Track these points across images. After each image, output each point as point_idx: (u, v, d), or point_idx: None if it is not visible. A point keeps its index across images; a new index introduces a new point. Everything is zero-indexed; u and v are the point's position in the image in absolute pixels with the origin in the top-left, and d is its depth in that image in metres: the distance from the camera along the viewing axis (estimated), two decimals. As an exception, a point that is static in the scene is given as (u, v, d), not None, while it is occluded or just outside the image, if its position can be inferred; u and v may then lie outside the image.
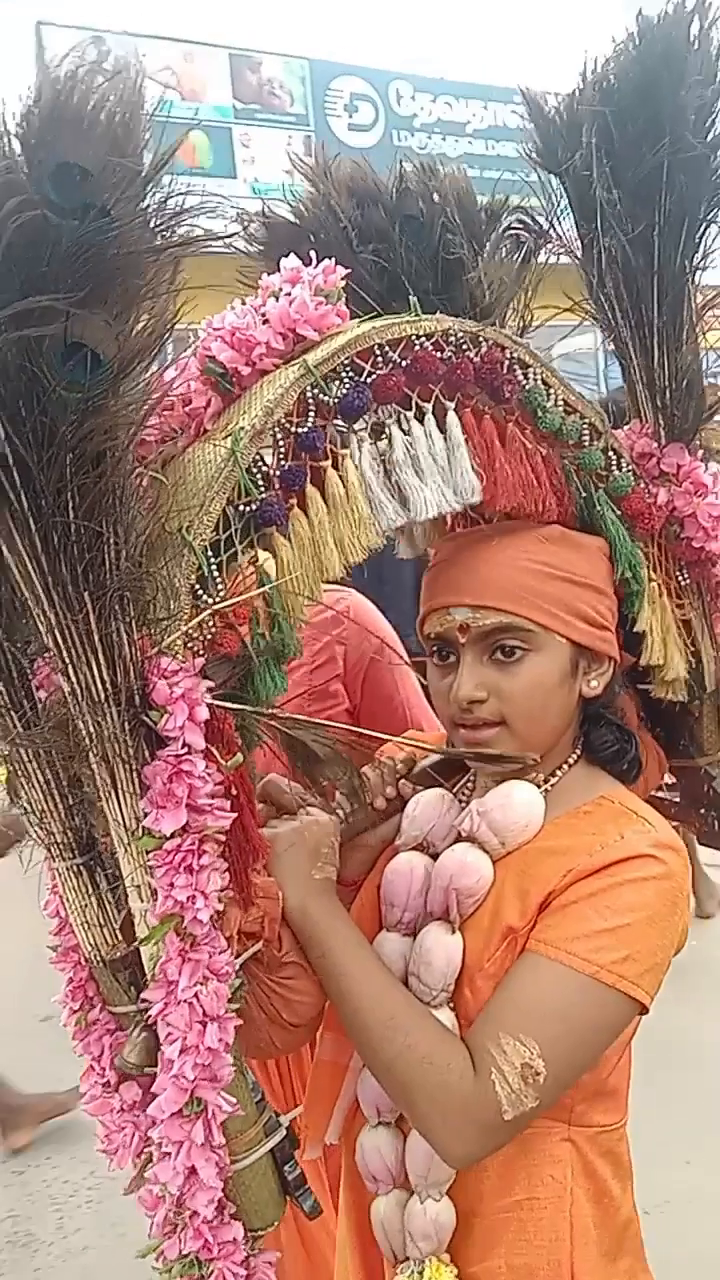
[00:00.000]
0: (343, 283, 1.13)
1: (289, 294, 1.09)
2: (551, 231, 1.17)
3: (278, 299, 1.11)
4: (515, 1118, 1.04)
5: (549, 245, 1.19)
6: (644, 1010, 1.09)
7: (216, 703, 0.98)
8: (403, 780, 1.27)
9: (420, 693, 1.71)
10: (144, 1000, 1.03)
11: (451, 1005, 1.14)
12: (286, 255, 1.15)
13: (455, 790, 1.26)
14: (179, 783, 0.94)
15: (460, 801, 1.24)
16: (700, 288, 1.17)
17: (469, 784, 1.27)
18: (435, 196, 1.25)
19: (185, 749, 0.95)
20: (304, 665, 1.66)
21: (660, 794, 1.46)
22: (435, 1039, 1.08)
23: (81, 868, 1.17)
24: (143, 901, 0.99)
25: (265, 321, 1.09)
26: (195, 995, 0.96)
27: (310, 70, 9.83)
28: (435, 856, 1.20)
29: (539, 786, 1.18)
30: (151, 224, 0.82)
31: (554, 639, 1.13)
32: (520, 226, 1.17)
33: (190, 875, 0.95)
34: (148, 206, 0.81)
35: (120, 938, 1.12)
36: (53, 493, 0.86)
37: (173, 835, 0.95)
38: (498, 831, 1.15)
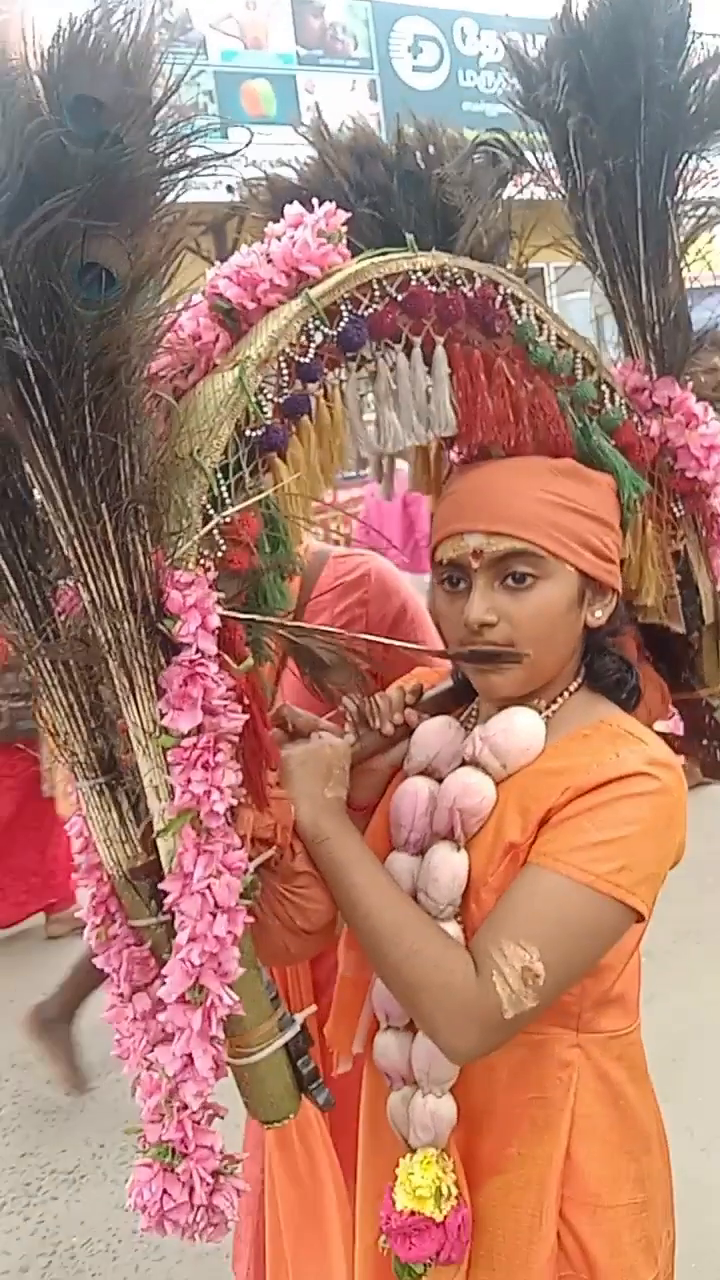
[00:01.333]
0: (344, 228, 1.19)
1: (292, 236, 1.16)
2: (539, 171, 1.23)
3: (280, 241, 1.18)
4: (515, 1017, 1.09)
5: (539, 183, 1.24)
6: (640, 919, 1.14)
7: (227, 612, 1.04)
8: (410, 708, 1.32)
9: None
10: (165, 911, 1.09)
11: (458, 919, 1.19)
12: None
13: (462, 719, 1.32)
14: (194, 685, 1.00)
15: (465, 728, 1.29)
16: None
17: (473, 712, 1.33)
18: (432, 149, 1.31)
19: (199, 654, 1.01)
20: (330, 624, 1.72)
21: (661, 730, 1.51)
22: (440, 944, 1.14)
23: (104, 786, 1.23)
24: (160, 801, 1.05)
25: (269, 260, 1.15)
26: (208, 886, 1.02)
27: (373, 13, 9.64)
28: (441, 780, 1.25)
29: (540, 712, 1.23)
30: (160, 149, 0.88)
31: (563, 568, 1.17)
32: (497, 145, 1.22)
33: (206, 771, 1.01)
34: (157, 134, 0.88)
35: (141, 849, 1.19)
36: (71, 405, 0.92)
37: (189, 734, 1.01)
38: (499, 755, 1.20)
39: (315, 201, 1.19)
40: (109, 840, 1.23)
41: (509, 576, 1.17)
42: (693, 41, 1.12)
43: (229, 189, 1.01)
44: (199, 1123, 1.04)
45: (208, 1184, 1.03)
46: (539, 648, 1.18)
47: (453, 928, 1.18)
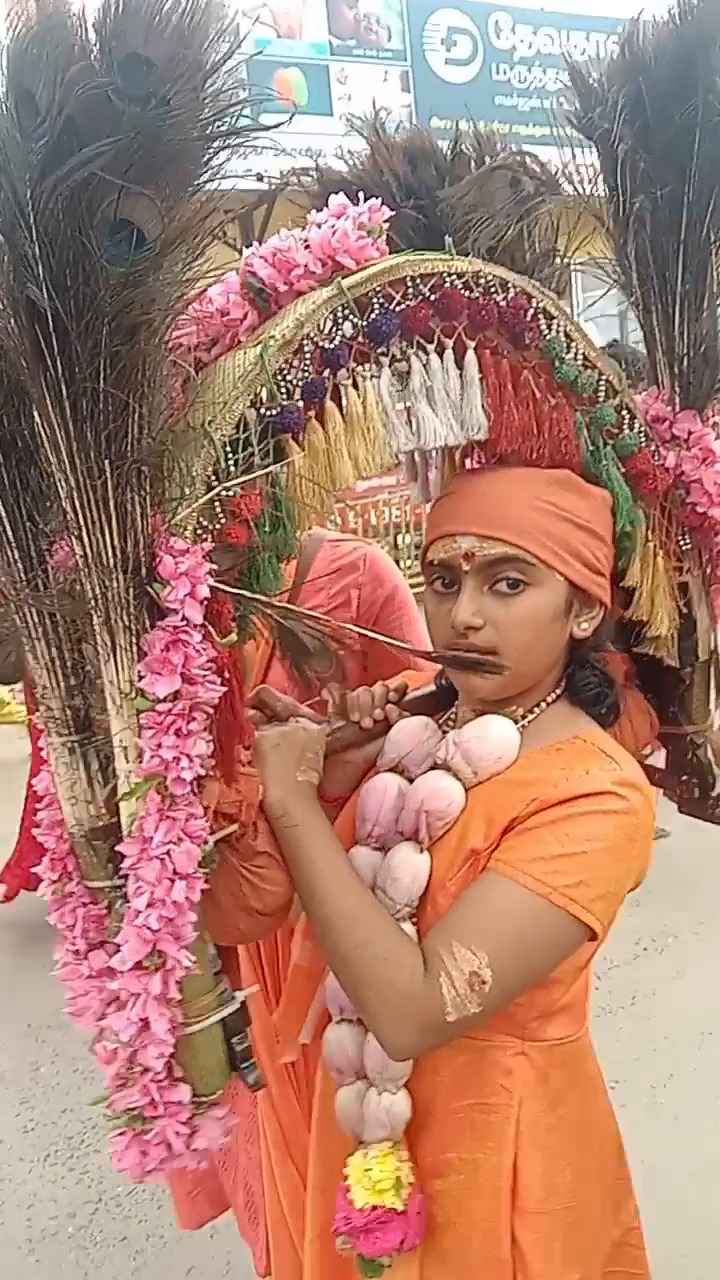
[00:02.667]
0: (385, 225, 1.20)
1: (333, 226, 1.16)
2: (582, 190, 1.23)
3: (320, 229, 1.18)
4: (457, 1020, 1.09)
5: (582, 203, 1.25)
6: (593, 936, 1.14)
7: (218, 585, 1.04)
8: (391, 705, 1.33)
9: (427, 641, 1.77)
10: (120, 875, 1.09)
11: (414, 920, 1.19)
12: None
13: (440, 722, 1.32)
14: (175, 651, 1.01)
15: (443, 731, 1.29)
16: None
17: (453, 716, 1.33)
18: (488, 160, 1.31)
19: (184, 621, 1.02)
20: (321, 607, 1.73)
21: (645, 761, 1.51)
22: (392, 939, 1.14)
23: (75, 745, 1.24)
24: (128, 762, 1.06)
25: (306, 246, 1.16)
26: (168, 852, 1.03)
27: (407, 4, 9.66)
28: (410, 779, 1.26)
29: (517, 721, 1.23)
30: (206, 116, 0.89)
31: (553, 576, 1.18)
32: (518, 168, 1.22)
33: (178, 738, 1.01)
34: (205, 101, 0.89)
35: (105, 810, 1.20)
36: (87, 358, 0.93)
37: (165, 699, 1.01)
38: (471, 761, 1.21)
39: (361, 196, 1.20)
40: (74, 799, 1.24)
41: (499, 581, 1.18)
42: None
43: (259, 177, 1.02)
44: (163, 1084, 1.05)
45: (184, 1135, 1.05)
46: (522, 655, 1.19)
47: (408, 929, 1.19)
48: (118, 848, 1.05)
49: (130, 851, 1.04)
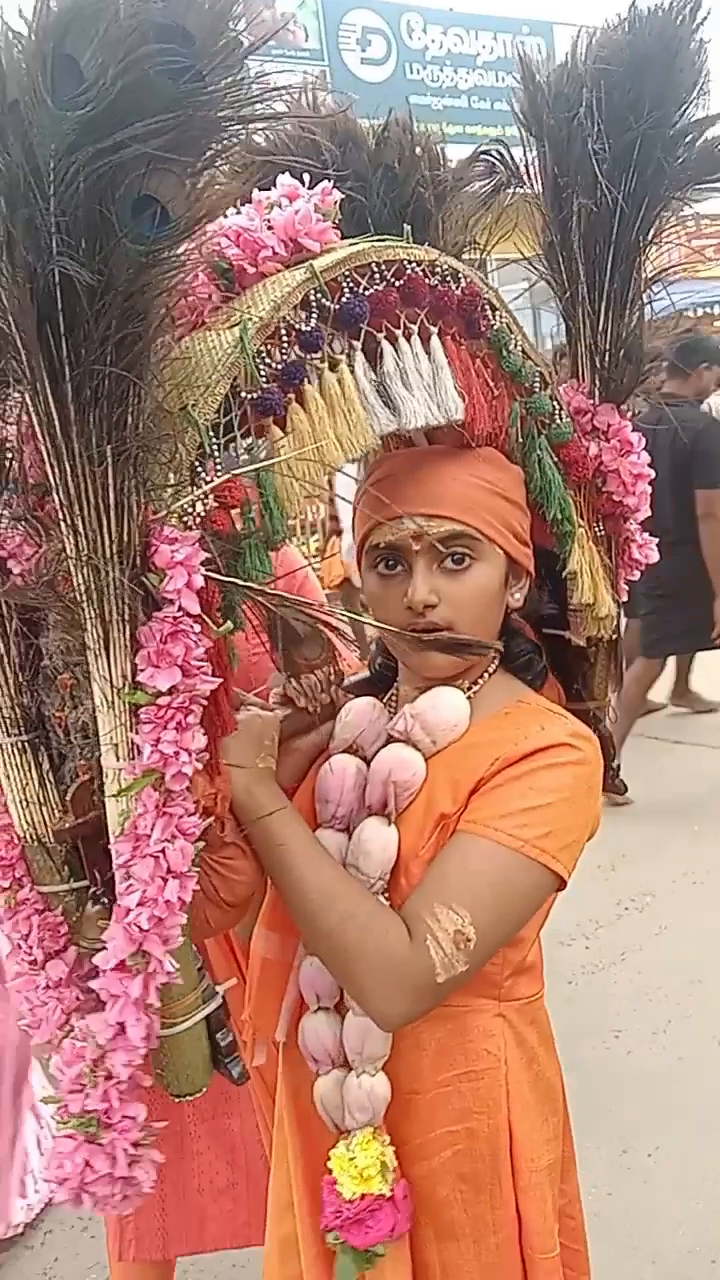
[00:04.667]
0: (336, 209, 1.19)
1: (295, 208, 1.15)
2: (526, 183, 1.27)
3: (273, 210, 1.16)
4: (446, 981, 1.12)
5: (521, 196, 1.29)
6: (562, 885, 1.20)
7: (209, 574, 1.02)
8: (335, 688, 1.34)
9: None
10: (117, 855, 1.03)
11: (386, 895, 1.22)
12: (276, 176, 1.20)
13: (384, 703, 1.34)
14: (175, 642, 0.98)
15: (390, 710, 1.32)
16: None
17: (393, 697, 1.35)
18: (417, 150, 1.33)
19: (181, 612, 0.99)
20: None
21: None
22: (373, 909, 1.16)
23: (26, 744, 1.18)
24: (119, 760, 1.02)
25: (269, 227, 1.14)
26: (163, 850, 1.00)
27: (322, 4, 9.82)
28: (366, 759, 1.27)
29: (465, 692, 1.27)
30: (237, 97, 0.86)
31: (494, 550, 1.22)
32: (497, 157, 1.26)
33: (178, 732, 0.99)
34: (239, 80, 0.85)
35: (68, 809, 1.14)
36: (98, 339, 0.88)
37: (165, 693, 0.98)
38: (429, 731, 1.24)
39: (307, 178, 1.19)
40: (26, 801, 1.18)
41: (448, 558, 1.21)
42: (699, 96, 1.20)
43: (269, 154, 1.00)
44: (124, 1094, 1.01)
45: (129, 1155, 1.01)
46: (475, 626, 1.23)
47: (382, 901, 1.20)
48: (111, 846, 1.01)
49: (123, 850, 1.00)
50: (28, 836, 1.18)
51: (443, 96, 10.59)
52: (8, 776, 1.17)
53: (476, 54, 11.05)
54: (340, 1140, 1.24)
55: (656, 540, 1.42)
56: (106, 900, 1.16)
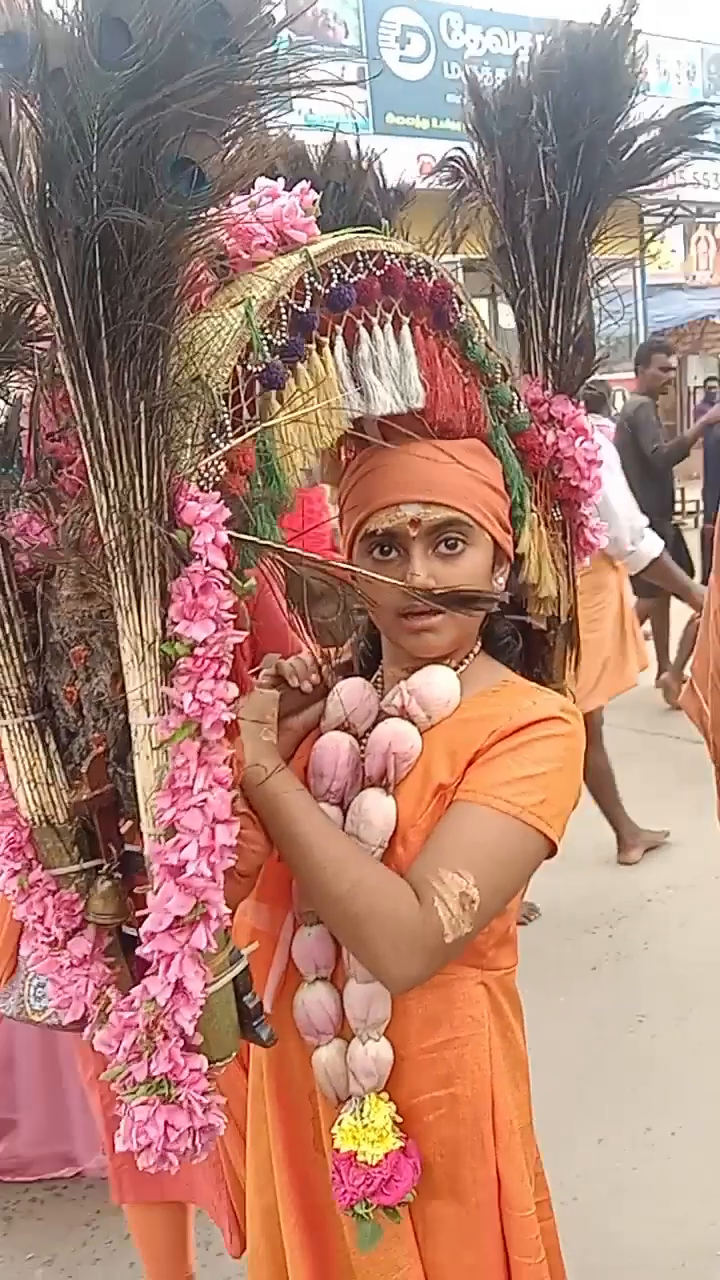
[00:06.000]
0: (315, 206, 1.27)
1: (281, 203, 1.22)
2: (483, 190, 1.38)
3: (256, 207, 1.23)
4: (453, 942, 1.16)
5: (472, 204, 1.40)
6: (553, 851, 1.25)
7: (230, 533, 1.05)
8: (325, 667, 1.37)
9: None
10: (158, 812, 1.03)
11: (384, 863, 1.24)
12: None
13: (372, 684, 1.39)
14: (208, 595, 1.01)
15: (377, 689, 1.36)
16: None
17: (379, 678, 1.40)
18: (364, 165, 1.43)
19: (210, 566, 1.02)
20: None
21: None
22: (382, 874, 1.19)
23: (33, 724, 1.18)
24: (149, 715, 1.03)
25: (258, 220, 1.20)
26: (205, 800, 1.01)
27: (363, 2, 9.93)
28: (358, 737, 1.31)
29: (454, 670, 1.33)
30: (270, 68, 0.92)
31: (484, 536, 1.30)
32: (461, 164, 1.36)
33: (214, 681, 1.01)
34: (272, 51, 0.92)
35: (83, 780, 1.14)
36: (136, 295, 0.92)
37: (201, 643, 1.01)
38: (425, 705, 1.29)
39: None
40: (33, 782, 1.18)
41: (442, 543, 1.27)
42: (635, 104, 1.33)
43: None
44: (185, 1049, 1.02)
45: (203, 1104, 1.01)
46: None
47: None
48: (154, 800, 1.02)
49: (163, 804, 1.01)
50: (36, 818, 1.18)
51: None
52: (15, 758, 1.17)
53: (515, 54, 11.37)
54: (343, 1112, 1.26)
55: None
56: (120, 874, 1.16)
